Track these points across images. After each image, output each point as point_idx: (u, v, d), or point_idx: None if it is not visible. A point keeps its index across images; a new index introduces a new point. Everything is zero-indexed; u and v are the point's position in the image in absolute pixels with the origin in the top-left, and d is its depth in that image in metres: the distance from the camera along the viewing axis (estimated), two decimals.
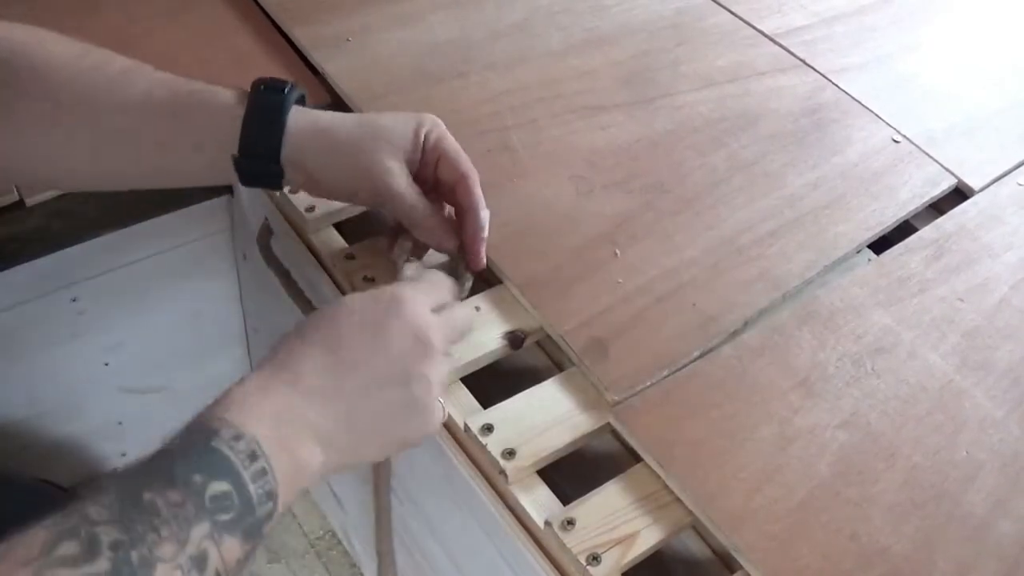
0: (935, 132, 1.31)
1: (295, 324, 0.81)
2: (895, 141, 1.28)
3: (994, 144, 1.32)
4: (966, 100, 1.40)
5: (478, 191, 0.96)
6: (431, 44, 1.31)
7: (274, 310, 1.34)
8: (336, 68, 1.24)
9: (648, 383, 0.95)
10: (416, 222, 0.95)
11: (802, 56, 1.41)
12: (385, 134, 0.92)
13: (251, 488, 0.69)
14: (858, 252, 1.14)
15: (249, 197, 1.18)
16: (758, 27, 1.45)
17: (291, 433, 0.74)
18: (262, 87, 0.91)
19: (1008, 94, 1.43)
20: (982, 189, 1.24)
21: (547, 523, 0.85)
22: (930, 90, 1.40)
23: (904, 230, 1.18)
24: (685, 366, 0.97)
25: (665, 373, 0.96)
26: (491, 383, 0.97)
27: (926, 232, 1.16)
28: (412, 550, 1.16)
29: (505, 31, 1.35)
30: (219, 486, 0.68)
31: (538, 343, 1.04)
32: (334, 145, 0.91)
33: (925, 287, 1.09)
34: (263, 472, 0.70)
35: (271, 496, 0.70)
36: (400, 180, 0.92)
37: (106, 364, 1.50)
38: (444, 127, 0.95)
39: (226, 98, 0.91)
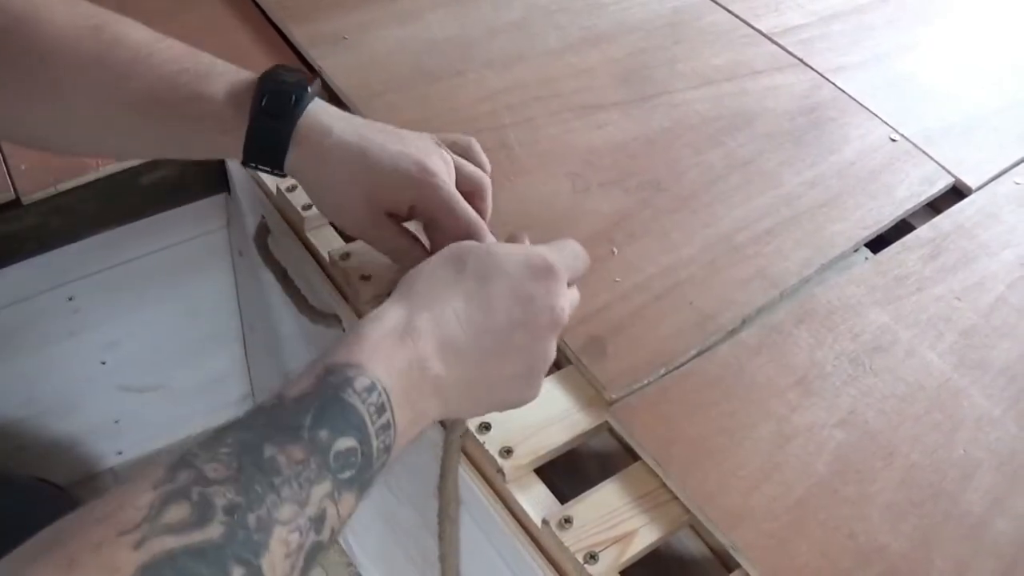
0: (932, 131, 1.31)
1: (440, 257, 0.80)
2: (892, 140, 1.28)
3: (992, 143, 1.32)
4: (964, 99, 1.39)
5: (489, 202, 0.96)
6: (429, 42, 1.31)
7: (271, 308, 1.34)
8: (333, 66, 1.24)
9: (646, 381, 0.95)
10: (395, 258, 0.95)
11: (799, 55, 1.41)
12: (380, 182, 0.90)
13: (374, 443, 0.67)
14: (855, 251, 1.14)
15: (246, 195, 1.18)
16: (755, 26, 1.45)
17: (417, 386, 0.72)
18: (265, 99, 0.86)
19: (1006, 93, 1.42)
20: (979, 188, 1.24)
21: (544, 521, 0.84)
22: (928, 89, 1.40)
23: (901, 229, 1.17)
24: (683, 364, 0.97)
25: (663, 371, 0.96)
26: None
27: (923, 231, 1.16)
28: (409, 547, 1.16)
29: (503, 29, 1.35)
30: (345, 442, 0.65)
31: None
32: (331, 184, 0.91)
33: (922, 286, 1.09)
34: (387, 426, 0.68)
35: (388, 450, 0.69)
36: (381, 230, 0.92)
37: (103, 362, 1.50)
38: (447, 166, 0.93)
39: (228, 112, 0.87)
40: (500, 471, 0.87)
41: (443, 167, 0.92)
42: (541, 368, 0.81)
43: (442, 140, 0.97)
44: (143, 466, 0.60)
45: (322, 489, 0.63)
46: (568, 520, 0.84)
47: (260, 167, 0.89)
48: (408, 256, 0.93)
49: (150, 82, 0.86)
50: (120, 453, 1.71)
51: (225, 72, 0.89)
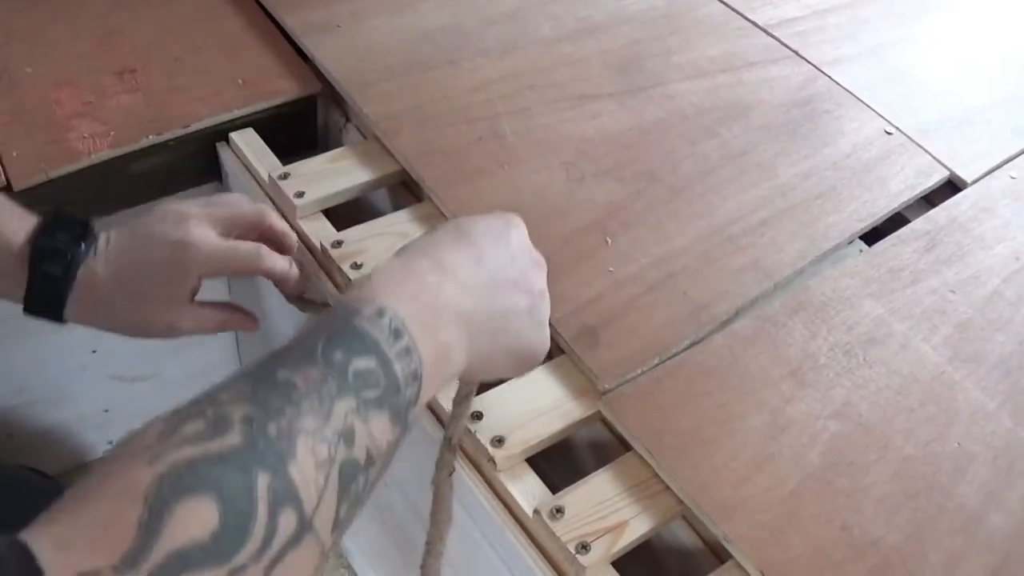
0: (927, 124, 1.31)
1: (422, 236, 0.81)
2: (887, 133, 1.28)
3: (987, 137, 1.32)
4: (959, 93, 1.39)
5: (277, 220, 0.97)
6: (422, 31, 1.30)
7: (262, 298, 1.33)
8: (326, 54, 1.23)
9: (639, 372, 0.95)
10: (248, 266, 0.93)
11: (794, 47, 1.41)
12: (157, 301, 0.91)
13: (396, 367, 0.66)
14: (850, 243, 1.13)
15: (238, 184, 1.18)
16: (750, 18, 1.45)
17: (435, 314, 0.72)
18: (40, 262, 0.87)
19: (1001, 87, 1.42)
20: (974, 182, 1.24)
21: (536, 511, 0.84)
22: (923, 82, 1.40)
23: (896, 221, 1.17)
24: (676, 355, 0.97)
25: (656, 362, 0.96)
26: None
27: (918, 224, 1.16)
28: (399, 538, 1.16)
29: (497, 19, 1.35)
30: (363, 362, 0.64)
31: None
32: (108, 319, 0.92)
33: (917, 278, 1.08)
34: (407, 351, 0.67)
35: (416, 377, 0.67)
36: (188, 324, 0.93)
37: (94, 351, 1.49)
38: (208, 247, 0.91)
39: (11, 263, 0.87)
40: (491, 460, 0.87)
41: (206, 231, 0.91)
42: (544, 307, 0.82)
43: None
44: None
45: (344, 405, 0.61)
46: (560, 510, 0.84)
47: (39, 317, 0.90)
48: (233, 320, 0.97)
49: None
50: (110, 443, 1.70)
51: (13, 215, 0.89)
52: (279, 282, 0.95)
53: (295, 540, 0.56)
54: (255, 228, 0.95)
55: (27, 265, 0.86)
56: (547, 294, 0.83)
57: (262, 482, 0.55)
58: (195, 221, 0.89)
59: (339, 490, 0.60)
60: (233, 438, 0.56)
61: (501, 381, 0.93)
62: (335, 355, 0.63)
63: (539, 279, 0.83)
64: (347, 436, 0.61)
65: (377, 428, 0.63)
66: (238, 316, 0.98)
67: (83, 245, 0.88)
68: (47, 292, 0.87)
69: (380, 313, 0.67)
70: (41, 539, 0.49)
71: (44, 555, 0.48)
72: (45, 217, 0.89)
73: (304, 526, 0.57)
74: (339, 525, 0.61)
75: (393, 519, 1.21)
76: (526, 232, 0.84)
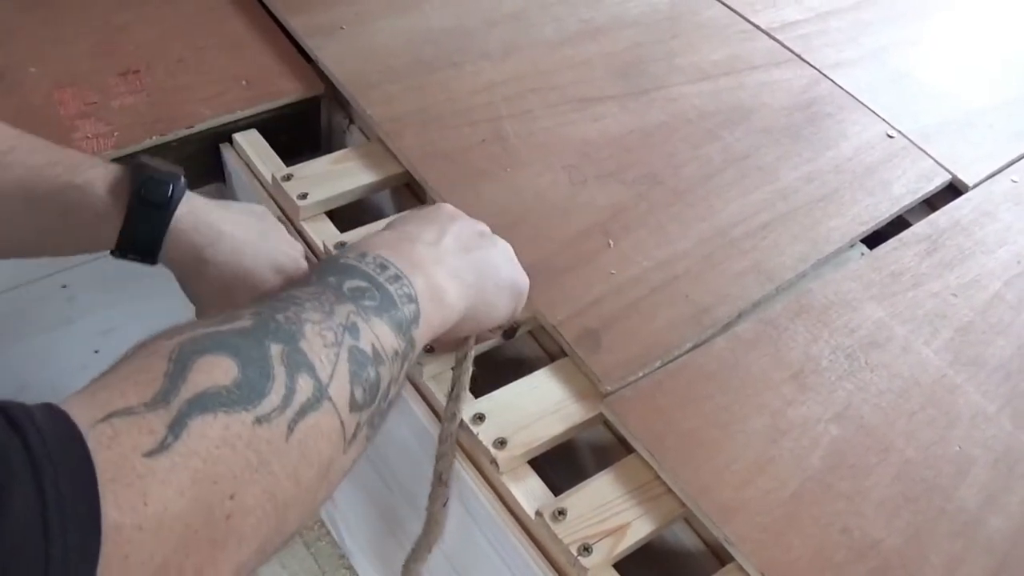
0: (929, 128, 1.31)
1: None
2: (889, 136, 1.28)
3: (988, 141, 1.32)
4: (961, 96, 1.39)
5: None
6: (426, 33, 1.30)
7: None
8: (330, 56, 1.24)
9: (641, 374, 0.95)
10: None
11: (797, 50, 1.41)
12: (257, 276, 0.93)
13: (389, 288, 0.71)
14: (851, 246, 1.14)
15: (241, 185, 1.18)
16: (753, 21, 1.45)
17: (415, 255, 0.77)
18: (140, 195, 0.88)
19: (1003, 91, 1.43)
20: (976, 185, 1.24)
21: (538, 513, 0.84)
22: (925, 86, 1.40)
23: (897, 225, 1.18)
24: (678, 357, 0.97)
25: (658, 364, 0.96)
26: (483, 373, 0.96)
27: (920, 227, 1.16)
28: (402, 539, 1.16)
29: (500, 21, 1.35)
30: (354, 282, 0.70)
31: (530, 333, 1.04)
32: (211, 274, 0.92)
33: (918, 282, 1.09)
34: (397, 277, 0.73)
35: (411, 299, 0.73)
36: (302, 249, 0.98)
37: (96, 351, 1.49)
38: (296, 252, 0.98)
39: (103, 200, 0.88)
40: (494, 462, 0.87)
41: (301, 252, 0.98)
42: (507, 250, 0.90)
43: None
44: None
45: (345, 308, 0.67)
46: (562, 512, 0.84)
47: (132, 257, 0.91)
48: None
49: (20, 173, 0.86)
50: None
51: (95, 164, 0.89)
52: None
53: (314, 402, 0.61)
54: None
55: (124, 201, 0.87)
56: (507, 247, 0.91)
57: (275, 350, 0.60)
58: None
59: (350, 371, 0.64)
60: (244, 322, 0.62)
61: (502, 382, 0.94)
62: (328, 279, 0.70)
63: (491, 237, 0.90)
64: (351, 329, 0.66)
65: (380, 330, 0.68)
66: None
67: (181, 177, 0.89)
68: (148, 226, 0.88)
69: (362, 254, 0.74)
70: (72, 397, 0.54)
71: (76, 405, 0.52)
72: (130, 161, 0.90)
73: (321, 391, 0.61)
74: (355, 407, 0.64)
75: (395, 518, 1.21)
76: (453, 211, 0.90)
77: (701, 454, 0.89)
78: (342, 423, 0.63)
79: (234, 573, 0.57)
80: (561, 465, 0.93)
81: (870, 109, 1.32)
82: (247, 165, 1.16)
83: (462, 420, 0.90)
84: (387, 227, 0.85)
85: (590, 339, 0.97)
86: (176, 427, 0.54)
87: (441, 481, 0.94)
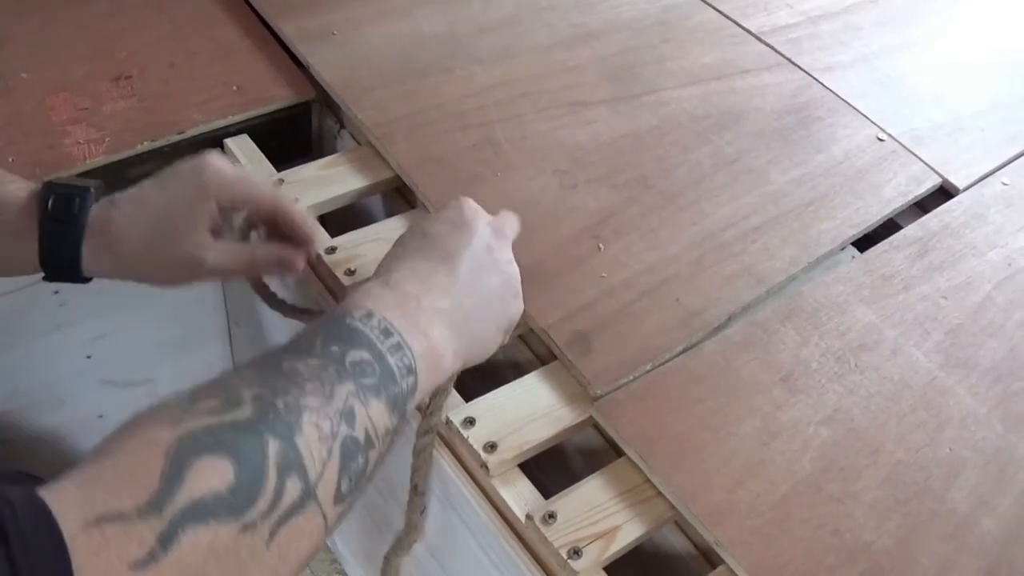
0: (920, 131, 1.32)
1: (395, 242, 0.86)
2: (880, 139, 1.28)
3: (979, 144, 1.32)
4: (951, 100, 1.40)
5: (296, 209, 0.94)
6: (417, 38, 1.31)
7: (257, 304, 1.34)
8: (321, 61, 1.24)
9: (631, 377, 0.95)
10: (250, 268, 0.95)
11: (788, 54, 1.41)
12: (177, 227, 0.88)
13: (390, 360, 0.71)
14: (842, 249, 1.14)
15: None
16: (744, 25, 1.45)
17: (419, 317, 0.76)
18: (48, 212, 0.86)
19: (993, 94, 1.43)
20: (966, 188, 1.24)
21: (528, 516, 0.84)
22: (915, 90, 1.40)
23: (888, 228, 1.18)
24: (668, 361, 0.97)
25: (648, 367, 0.96)
26: (472, 376, 0.96)
27: (910, 230, 1.16)
28: (387, 535, 1.16)
29: (491, 26, 1.35)
30: (358, 354, 0.69)
31: (520, 337, 1.04)
32: (130, 259, 0.89)
33: (909, 285, 1.09)
34: (399, 347, 0.72)
35: (411, 371, 0.73)
36: (211, 254, 0.89)
37: (88, 357, 1.49)
38: (225, 172, 0.90)
39: (19, 219, 0.87)
40: (484, 466, 0.87)
41: (224, 162, 0.90)
42: (513, 273, 0.88)
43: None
44: None
45: (345, 388, 0.67)
46: (552, 515, 0.84)
47: (64, 279, 0.89)
48: (258, 254, 0.93)
49: None
50: None
51: (14, 180, 0.89)
52: (285, 261, 0.93)
53: (300, 505, 0.61)
54: (267, 215, 0.93)
55: (36, 220, 0.86)
56: (513, 260, 0.89)
57: (273, 448, 0.60)
58: (214, 155, 0.90)
59: (340, 465, 0.64)
60: (245, 410, 0.61)
61: (492, 385, 0.94)
62: (332, 348, 0.69)
63: (504, 250, 0.88)
64: (348, 416, 0.66)
65: (375, 412, 0.68)
66: (274, 254, 0.94)
67: (91, 189, 0.87)
68: (60, 243, 0.86)
69: (369, 315, 0.73)
70: (60, 487, 0.54)
71: (66, 502, 0.53)
72: (47, 180, 0.88)
73: (308, 494, 0.61)
74: (339, 499, 0.65)
75: (382, 516, 1.21)
76: (478, 207, 0.88)
77: (691, 457, 0.89)
78: (325, 520, 0.64)
79: None
80: (551, 468, 0.93)
81: (860, 113, 1.33)
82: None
83: (440, 433, 0.91)
84: (412, 236, 0.86)
85: (580, 342, 0.97)
86: (166, 539, 0.53)
87: (417, 492, 0.95)
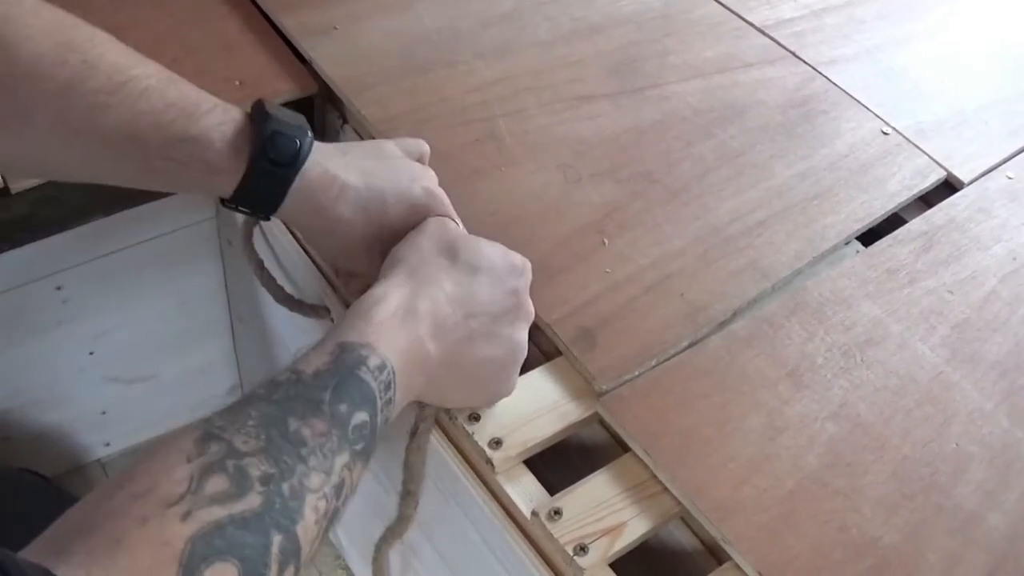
0: (924, 125, 1.31)
1: (428, 239, 0.86)
2: (884, 133, 1.28)
3: (983, 137, 1.32)
4: (955, 93, 1.39)
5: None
6: (419, 33, 1.30)
7: (260, 299, 1.33)
8: (323, 56, 1.23)
9: (636, 373, 0.95)
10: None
11: (791, 48, 1.41)
12: (393, 221, 0.89)
13: (379, 417, 0.73)
14: (847, 244, 1.13)
15: None
16: (747, 18, 1.45)
17: (413, 363, 0.78)
18: (265, 152, 0.83)
19: (997, 88, 1.42)
20: (971, 182, 1.24)
21: (534, 513, 0.84)
22: (920, 83, 1.40)
23: (893, 222, 1.17)
24: (673, 356, 0.97)
25: (653, 363, 0.96)
26: None
27: (915, 224, 1.16)
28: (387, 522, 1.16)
29: (493, 21, 1.35)
30: (361, 416, 0.71)
31: None
32: (337, 231, 0.89)
33: (914, 279, 1.09)
34: (390, 401, 0.74)
35: (387, 422, 0.75)
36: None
37: (91, 353, 1.49)
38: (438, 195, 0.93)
39: (222, 156, 0.83)
40: (489, 462, 0.87)
41: (439, 189, 0.93)
42: (518, 357, 0.88)
43: (399, 145, 0.96)
44: (165, 440, 0.63)
45: (341, 460, 0.68)
46: (557, 512, 0.84)
47: (242, 210, 0.88)
48: None
49: (128, 118, 0.81)
50: (107, 444, 1.71)
51: (213, 109, 0.85)
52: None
53: None
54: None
55: (246, 155, 0.84)
56: (526, 350, 0.89)
57: (276, 544, 0.61)
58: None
59: (323, 535, 0.68)
60: (254, 499, 0.61)
61: None
62: (340, 408, 0.70)
63: (524, 336, 0.88)
64: (339, 489, 0.68)
65: (356, 476, 0.71)
66: None
67: (309, 133, 0.87)
68: (271, 185, 0.85)
69: (381, 368, 0.73)
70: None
71: None
72: (257, 108, 0.86)
73: (297, 570, 0.63)
74: (311, 551, 0.67)
75: (389, 516, 1.21)
76: (528, 279, 0.89)
77: (697, 453, 0.89)
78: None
79: None
80: (556, 465, 0.93)
81: (865, 106, 1.32)
82: None
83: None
84: (439, 249, 0.85)
85: (585, 338, 0.97)
86: None
87: (409, 492, 0.97)
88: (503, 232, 1.04)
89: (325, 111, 1.27)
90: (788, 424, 0.92)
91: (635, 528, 0.85)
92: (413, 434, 0.93)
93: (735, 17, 1.45)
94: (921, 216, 1.17)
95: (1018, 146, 1.32)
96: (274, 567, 0.61)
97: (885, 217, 1.17)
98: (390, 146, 0.95)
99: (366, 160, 0.90)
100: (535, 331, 1.01)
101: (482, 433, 0.89)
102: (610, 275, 1.03)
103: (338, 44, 1.26)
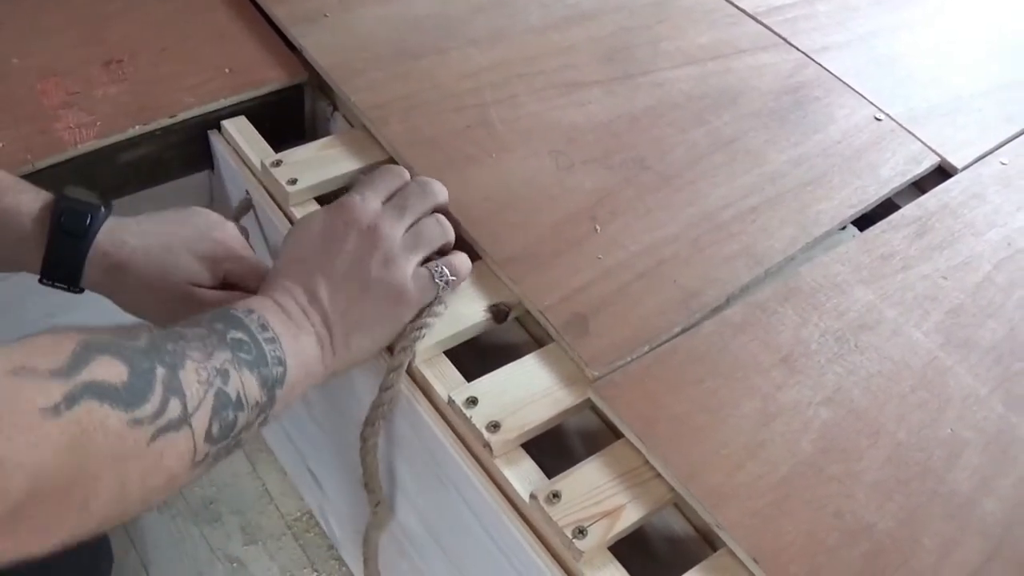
0: (918, 111, 1.31)
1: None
2: (877, 119, 1.28)
3: (977, 124, 1.32)
4: (949, 79, 1.39)
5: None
6: (411, 20, 1.30)
7: None
8: (314, 44, 1.23)
9: (629, 359, 0.94)
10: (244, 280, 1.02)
11: (784, 34, 1.40)
12: (180, 268, 0.97)
13: (264, 347, 0.81)
14: (841, 229, 1.13)
15: (230, 172, 1.17)
16: (739, 5, 1.45)
17: (294, 330, 0.85)
18: (60, 224, 0.93)
19: (991, 74, 1.42)
20: (965, 168, 1.24)
21: (532, 496, 0.84)
22: (913, 69, 1.40)
23: (887, 208, 1.17)
24: (666, 342, 0.97)
25: (646, 349, 0.95)
26: (471, 360, 0.96)
27: (909, 210, 1.16)
28: (391, 526, 1.15)
29: (485, 7, 1.34)
30: (237, 334, 0.79)
31: (517, 319, 1.03)
32: (135, 284, 0.96)
33: (908, 264, 1.08)
34: (273, 340, 0.82)
35: (281, 362, 0.82)
36: (206, 295, 0.98)
37: None
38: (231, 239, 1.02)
39: (27, 231, 0.93)
40: (487, 445, 0.87)
41: (234, 232, 1.03)
42: (390, 277, 0.91)
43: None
44: None
45: (223, 355, 0.77)
46: (556, 495, 0.83)
47: (58, 285, 0.96)
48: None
49: None
50: None
51: (24, 189, 0.95)
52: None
53: (178, 424, 0.71)
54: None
55: (47, 226, 0.93)
56: (393, 255, 0.92)
57: (160, 371, 0.70)
58: (229, 225, 1.04)
59: (213, 408, 0.74)
60: (140, 342, 0.71)
61: (488, 368, 0.93)
62: (216, 325, 0.79)
63: (375, 252, 0.91)
64: (223, 374, 0.76)
65: (247, 381, 0.78)
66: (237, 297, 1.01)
67: (102, 207, 0.95)
68: (67, 254, 0.94)
69: (248, 311, 0.83)
70: None
71: None
72: (62, 191, 0.95)
73: (185, 418, 0.71)
74: (209, 439, 0.74)
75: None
76: (357, 206, 0.93)
77: (690, 439, 0.88)
78: (195, 448, 0.73)
79: (67, 539, 0.66)
80: (551, 451, 0.93)
81: (858, 92, 1.32)
82: (236, 152, 1.15)
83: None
84: (287, 260, 0.92)
85: (578, 324, 0.96)
86: (69, 400, 0.63)
87: (368, 489, 1.03)
88: (495, 218, 1.03)
89: (315, 98, 1.26)
90: (782, 410, 0.92)
91: (632, 512, 0.84)
92: (364, 439, 0.98)
93: (727, 4, 1.45)
94: (915, 202, 1.17)
95: (1012, 132, 1.31)
96: (159, 387, 0.69)
97: (879, 203, 1.17)
98: (196, 208, 1.04)
99: (161, 224, 0.99)
100: (528, 318, 1.01)
101: (480, 416, 0.88)
102: (602, 261, 1.03)
103: (328, 31, 1.25)
